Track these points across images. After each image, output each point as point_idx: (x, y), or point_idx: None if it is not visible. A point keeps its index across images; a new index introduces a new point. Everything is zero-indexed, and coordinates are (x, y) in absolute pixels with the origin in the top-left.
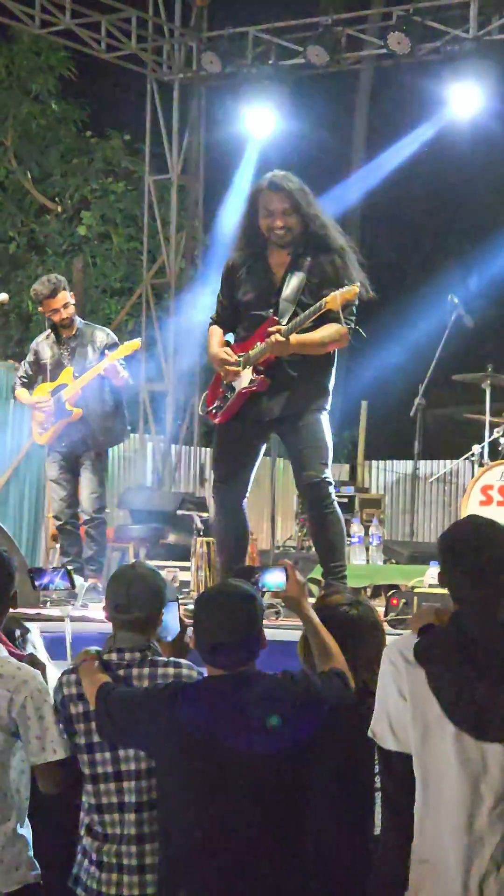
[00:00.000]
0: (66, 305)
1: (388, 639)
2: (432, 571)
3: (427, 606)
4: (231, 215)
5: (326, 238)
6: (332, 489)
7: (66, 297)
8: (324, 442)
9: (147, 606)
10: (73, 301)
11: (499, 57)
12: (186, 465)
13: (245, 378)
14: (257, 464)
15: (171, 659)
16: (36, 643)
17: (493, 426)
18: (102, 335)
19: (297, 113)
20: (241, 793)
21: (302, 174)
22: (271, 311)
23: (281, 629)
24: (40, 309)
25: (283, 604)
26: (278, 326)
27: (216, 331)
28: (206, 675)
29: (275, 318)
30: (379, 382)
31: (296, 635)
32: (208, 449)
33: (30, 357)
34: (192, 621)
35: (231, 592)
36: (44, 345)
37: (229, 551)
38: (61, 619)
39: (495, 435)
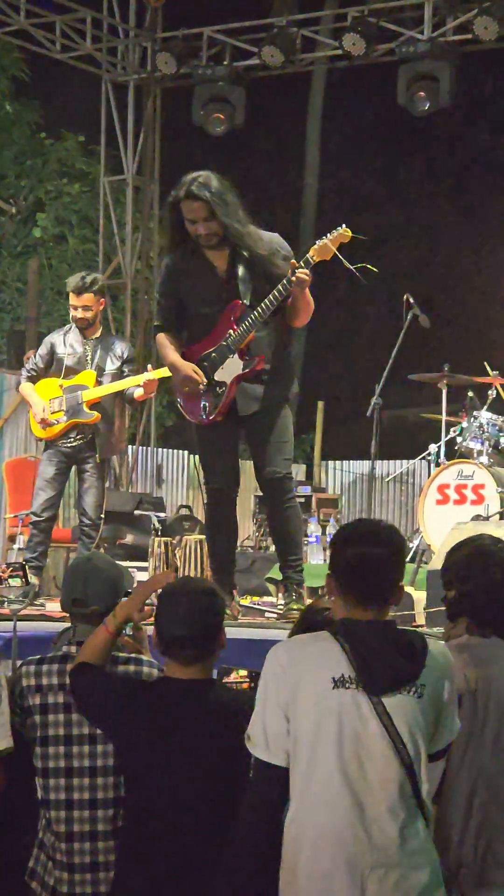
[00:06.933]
0: (86, 308)
1: None
2: None
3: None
4: None
5: (246, 238)
6: (292, 485)
7: (91, 300)
8: (288, 437)
9: (105, 599)
10: (98, 307)
11: (453, 58)
12: (143, 465)
13: (234, 366)
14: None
15: (133, 656)
16: None
17: (449, 426)
18: (122, 346)
19: (252, 113)
20: (190, 790)
21: (257, 174)
22: (229, 302)
23: (242, 627)
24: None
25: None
26: (297, 263)
27: (167, 340)
28: (164, 671)
29: (238, 301)
30: (335, 383)
31: (256, 633)
32: (165, 450)
33: (42, 350)
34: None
35: (193, 588)
36: (62, 339)
37: (223, 549)
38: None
39: (451, 434)
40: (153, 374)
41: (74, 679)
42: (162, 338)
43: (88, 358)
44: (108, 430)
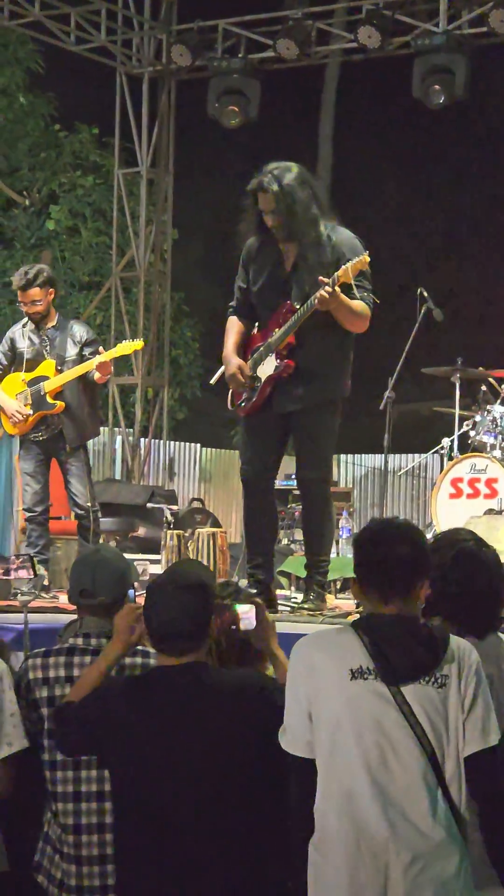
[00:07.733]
0: (34, 302)
1: None
2: None
3: None
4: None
5: (298, 242)
6: (326, 487)
7: (39, 294)
8: (325, 441)
9: (112, 591)
10: (48, 298)
11: (468, 51)
12: (155, 458)
13: (269, 365)
14: (284, 453)
15: (140, 648)
16: None
17: (462, 420)
18: (81, 330)
19: (267, 106)
20: (194, 779)
21: None
22: (286, 299)
23: None
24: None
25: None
26: (325, 280)
27: (234, 326)
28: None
29: (289, 302)
30: None
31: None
32: (177, 442)
33: (4, 346)
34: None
35: (183, 581)
36: (20, 333)
37: (259, 536)
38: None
39: (464, 428)
40: (104, 356)
41: (59, 727)
42: (230, 322)
43: (47, 348)
44: (74, 418)
